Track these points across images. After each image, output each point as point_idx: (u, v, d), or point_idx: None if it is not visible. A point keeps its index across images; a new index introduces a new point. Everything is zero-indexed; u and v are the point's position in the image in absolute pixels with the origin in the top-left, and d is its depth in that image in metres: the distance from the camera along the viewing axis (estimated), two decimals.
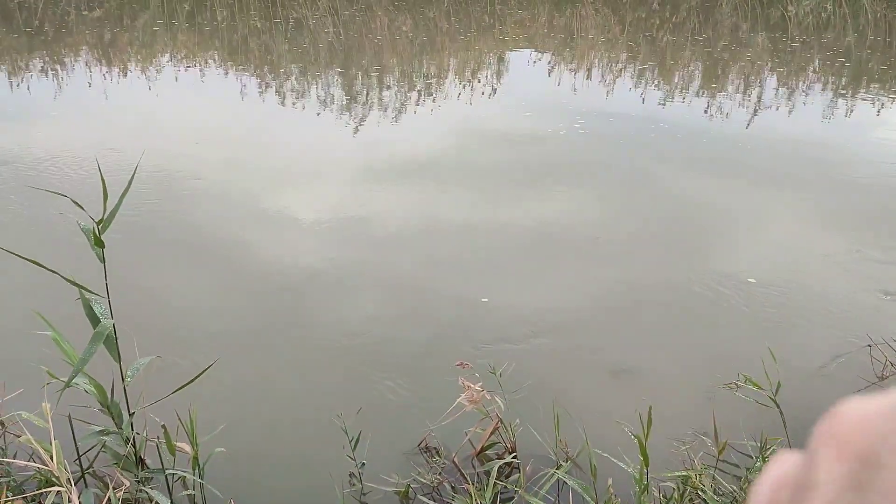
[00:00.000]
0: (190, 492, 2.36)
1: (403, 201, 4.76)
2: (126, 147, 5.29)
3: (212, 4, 10.83)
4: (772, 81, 8.02)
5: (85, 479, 2.30)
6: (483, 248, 4.17)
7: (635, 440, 2.21)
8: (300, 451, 2.70)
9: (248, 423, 2.76)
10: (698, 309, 3.61)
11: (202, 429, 2.32)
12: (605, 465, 2.36)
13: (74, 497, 1.87)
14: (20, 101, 6.87)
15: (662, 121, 6.55)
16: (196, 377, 2.10)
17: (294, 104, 7.00)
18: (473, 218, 4.51)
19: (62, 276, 1.86)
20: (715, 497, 2.29)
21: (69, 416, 2.17)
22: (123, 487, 2.14)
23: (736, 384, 2.80)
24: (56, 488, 1.90)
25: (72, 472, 2.06)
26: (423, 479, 2.52)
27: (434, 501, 2.45)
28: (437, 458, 2.63)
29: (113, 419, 2.10)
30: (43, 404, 1.97)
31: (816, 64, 8.83)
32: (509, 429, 2.62)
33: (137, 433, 2.18)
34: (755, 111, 6.93)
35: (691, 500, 2.31)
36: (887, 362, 3.13)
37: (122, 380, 2.07)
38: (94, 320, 1.95)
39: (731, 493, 2.36)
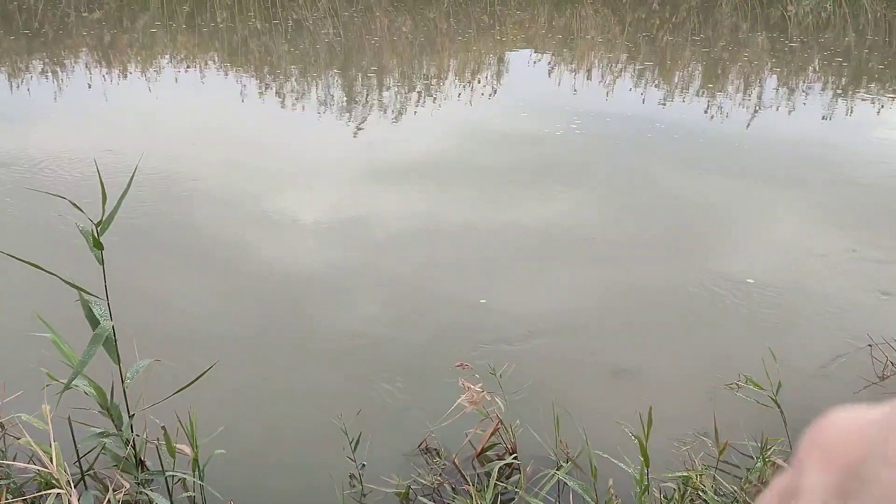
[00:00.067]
0: (190, 493, 2.36)
1: (404, 202, 4.76)
2: (126, 149, 5.29)
3: (211, 6, 10.83)
4: (772, 81, 8.02)
5: (85, 482, 2.30)
6: (483, 248, 4.16)
7: (636, 441, 2.21)
8: (300, 453, 2.69)
9: (247, 424, 2.76)
10: (698, 309, 3.61)
11: (202, 430, 2.32)
12: (606, 465, 2.36)
13: (74, 499, 1.87)
14: (20, 103, 6.87)
15: (662, 121, 6.55)
16: (196, 379, 2.10)
17: (294, 105, 7.00)
18: (475, 218, 4.51)
19: (61, 279, 1.86)
20: (716, 497, 2.29)
21: (69, 418, 2.17)
22: (123, 489, 2.14)
23: (737, 384, 2.80)
24: (56, 490, 1.90)
25: (71, 475, 2.05)
26: (423, 481, 2.52)
27: (434, 503, 2.44)
28: (438, 459, 2.63)
29: (113, 421, 2.09)
30: (43, 406, 1.97)
31: (816, 64, 8.82)
32: (510, 430, 2.62)
33: (137, 435, 2.18)
34: (755, 111, 6.93)
35: (692, 500, 2.31)
36: (888, 362, 3.13)
37: (122, 382, 2.07)
38: (94, 322, 1.95)
39: (732, 493, 2.36)
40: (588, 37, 9.88)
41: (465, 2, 11.46)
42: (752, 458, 2.51)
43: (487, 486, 2.32)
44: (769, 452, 2.43)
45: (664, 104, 7.12)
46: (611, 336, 3.42)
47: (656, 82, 7.99)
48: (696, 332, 3.48)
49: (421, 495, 2.46)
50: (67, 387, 1.91)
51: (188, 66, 8.36)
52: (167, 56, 8.74)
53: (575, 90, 7.58)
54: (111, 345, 2.00)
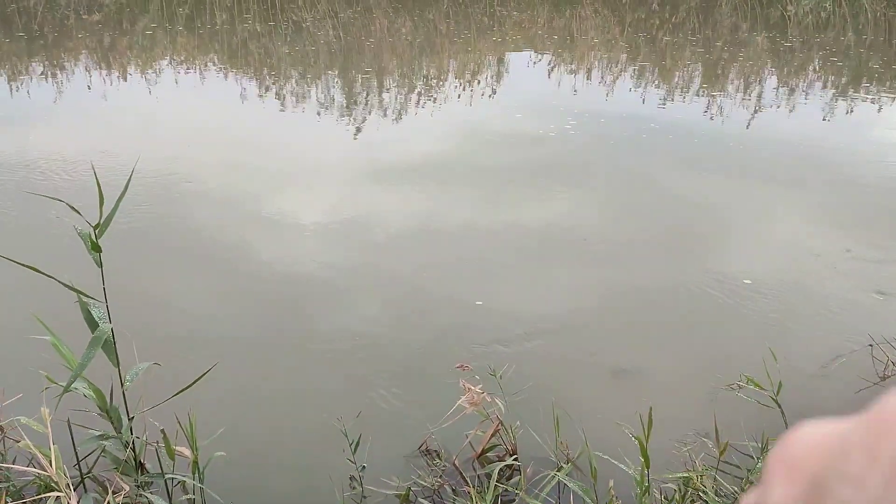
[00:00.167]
0: (190, 496, 2.36)
1: (403, 203, 4.76)
2: (125, 150, 5.29)
3: (210, 8, 10.84)
4: (771, 81, 8.02)
5: (84, 484, 2.29)
6: (483, 248, 4.16)
7: (636, 441, 2.20)
8: (300, 455, 2.69)
9: (247, 426, 2.76)
10: (698, 309, 3.60)
11: (202, 433, 2.32)
12: (606, 466, 2.35)
13: (74, 502, 1.87)
14: (20, 106, 6.87)
15: (662, 121, 6.55)
16: (195, 381, 2.10)
17: (294, 107, 7.00)
18: (475, 219, 4.50)
19: (59, 282, 1.85)
20: (716, 498, 2.29)
21: (68, 421, 2.16)
22: (123, 492, 2.14)
23: (738, 384, 2.79)
24: (55, 493, 1.90)
25: (71, 477, 2.05)
26: (423, 482, 2.51)
27: None
28: (438, 460, 2.63)
29: (112, 423, 2.09)
30: (42, 409, 1.97)
31: (816, 64, 8.82)
32: (510, 431, 2.61)
33: (137, 437, 2.18)
34: (755, 111, 6.93)
35: (693, 501, 2.31)
36: (888, 362, 3.13)
37: (121, 384, 2.06)
38: (93, 325, 1.95)
39: (733, 493, 2.36)
40: (588, 38, 9.88)
41: (465, 3, 11.46)
42: (753, 459, 2.50)
43: (488, 488, 2.31)
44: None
45: (664, 104, 7.12)
46: (611, 336, 3.42)
47: (656, 82, 7.99)
48: (696, 333, 3.47)
49: (421, 497, 2.46)
50: (67, 389, 1.91)
51: (188, 68, 8.36)
52: (167, 58, 8.74)
53: (575, 91, 7.58)
54: (110, 347, 1.99)
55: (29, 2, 10.73)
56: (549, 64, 8.69)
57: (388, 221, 4.47)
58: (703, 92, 7.57)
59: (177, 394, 2.09)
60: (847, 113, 6.98)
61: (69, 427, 2.17)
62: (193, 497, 2.35)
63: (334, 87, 7.57)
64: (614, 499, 2.26)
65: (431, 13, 10.99)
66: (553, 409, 2.55)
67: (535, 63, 8.78)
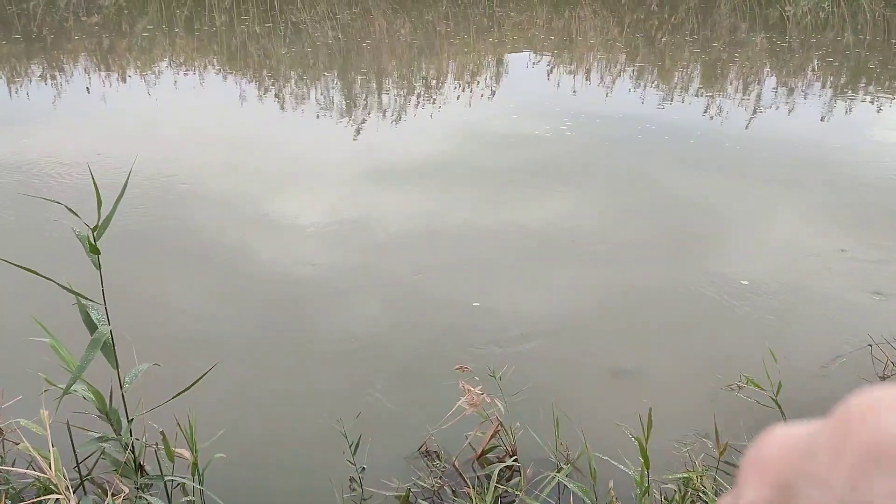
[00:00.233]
0: (189, 498, 2.35)
1: (403, 204, 4.76)
2: (124, 152, 5.29)
3: (209, 9, 10.84)
4: (771, 82, 8.02)
5: (84, 486, 2.29)
6: (483, 249, 4.16)
7: (636, 442, 2.20)
8: (300, 456, 2.69)
9: (247, 428, 2.76)
10: (698, 310, 3.60)
11: (201, 435, 2.31)
12: (606, 467, 2.35)
13: None
14: (19, 107, 6.87)
15: (661, 122, 6.55)
16: (194, 382, 2.09)
17: (293, 108, 7.00)
18: (474, 220, 4.50)
19: (58, 284, 1.85)
20: (716, 498, 2.28)
21: (68, 423, 2.16)
22: (123, 494, 2.14)
23: (738, 385, 2.79)
24: (55, 496, 1.89)
25: (70, 480, 2.05)
26: (423, 484, 2.51)
27: None
28: (438, 461, 2.63)
29: (112, 426, 2.09)
30: (41, 411, 1.96)
31: (815, 64, 8.83)
32: (509, 432, 2.61)
33: (136, 439, 2.18)
34: (754, 111, 6.93)
35: (693, 501, 2.31)
36: (888, 362, 3.13)
37: (121, 386, 2.06)
38: (92, 327, 1.94)
39: None
40: (587, 38, 9.88)
41: (464, 4, 11.47)
42: None
43: (487, 489, 2.31)
44: None
45: (663, 105, 7.12)
46: (610, 337, 3.42)
47: (655, 83, 7.99)
48: (695, 333, 3.47)
49: (421, 498, 2.46)
50: (66, 392, 1.91)
51: (187, 70, 8.36)
52: (166, 60, 8.74)
53: (574, 91, 7.58)
54: (109, 349, 1.99)
55: (28, 4, 10.74)
56: (548, 65, 8.69)
57: (388, 222, 4.47)
58: (702, 92, 7.58)
59: (176, 395, 2.09)
60: (846, 113, 6.99)
61: (69, 429, 2.17)
62: (193, 499, 2.35)
63: (333, 88, 7.57)
64: (614, 499, 2.26)
65: (430, 14, 10.99)
66: (553, 410, 2.55)
67: (534, 64, 8.78)
